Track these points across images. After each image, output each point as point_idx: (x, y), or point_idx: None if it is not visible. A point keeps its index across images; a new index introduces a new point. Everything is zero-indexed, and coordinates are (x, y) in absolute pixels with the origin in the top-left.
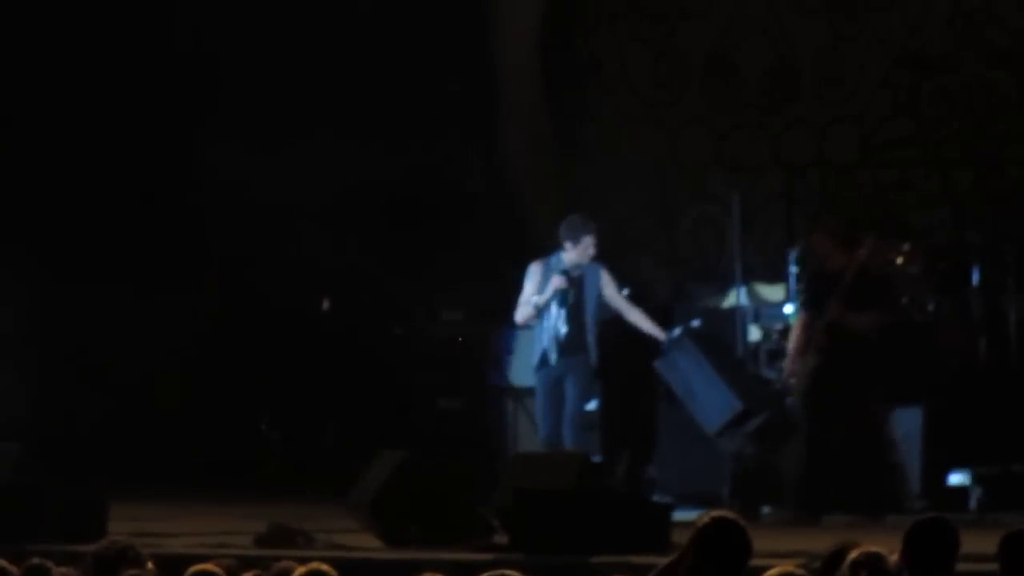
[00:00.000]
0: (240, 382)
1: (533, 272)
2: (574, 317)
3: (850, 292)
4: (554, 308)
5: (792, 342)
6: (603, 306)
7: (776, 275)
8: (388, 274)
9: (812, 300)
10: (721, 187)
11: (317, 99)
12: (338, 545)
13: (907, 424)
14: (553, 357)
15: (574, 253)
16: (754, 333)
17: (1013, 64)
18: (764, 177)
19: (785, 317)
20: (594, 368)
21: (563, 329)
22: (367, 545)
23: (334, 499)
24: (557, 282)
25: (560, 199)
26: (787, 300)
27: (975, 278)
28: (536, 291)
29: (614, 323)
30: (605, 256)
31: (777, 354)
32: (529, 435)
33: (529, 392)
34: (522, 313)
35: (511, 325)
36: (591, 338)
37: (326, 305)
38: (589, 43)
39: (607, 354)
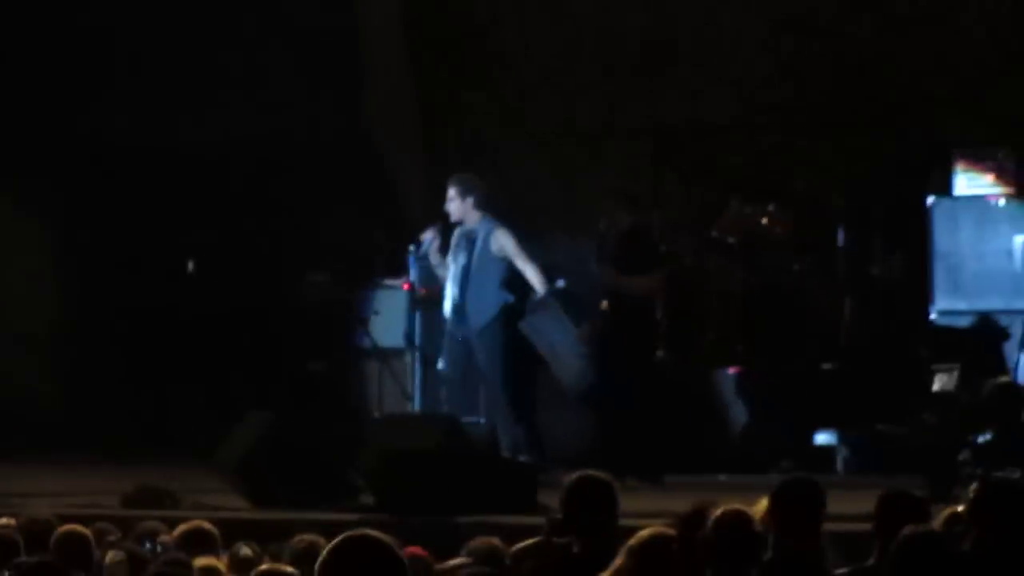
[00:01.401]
0: (107, 344)
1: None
2: (463, 279)
3: (622, 254)
4: (451, 269)
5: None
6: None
7: None
8: (253, 236)
9: (599, 261)
10: (613, 153)
11: (184, 61)
12: (205, 505)
13: (773, 385)
14: (450, 320)
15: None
16: None
17: (908, 30)
18: (644, 142)
19: None
20: (478, 329)
21: (455, 291)
22: (234, 505)
23: (201, 460)
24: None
25: (423, 162)
26: None
27: (840, 240)
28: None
29: None
30: (511, 221)
31: None
32: (395, 396)
33: (395, 353)
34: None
35: (377, 287)
36: (473, 299)
37: (191, 268)
38: (472, 10)
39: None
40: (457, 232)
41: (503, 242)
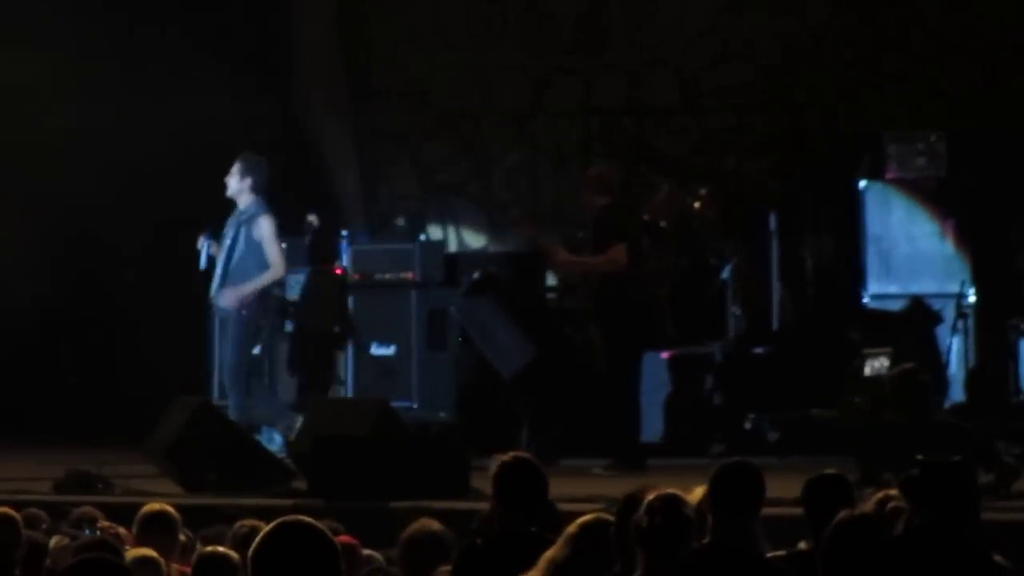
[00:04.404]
0: (38, 327)
1: None
2: (227, 260)
3: (593, 238)
4: (222, 245)
5: None
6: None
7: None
8: (184, 220)
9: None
10: (538, 134)
11: (111, 45)
12: (136, 491)
13: (704, 368)
14: (213, 297)
15: None
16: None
17: (862, 11)
18: (578, 123)
19: None
20: (237, 316)
21: (220, 271)
22: (165, 491)
23: (132, 445)
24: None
25: (354, 146)
26: None
27: (772, 224)
28: None
29: None
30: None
31: None
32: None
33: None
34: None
35: (309, 271)
36: (234, 281)
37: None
38: None
39: None
40: (235, 212)
41: (261, 229)
